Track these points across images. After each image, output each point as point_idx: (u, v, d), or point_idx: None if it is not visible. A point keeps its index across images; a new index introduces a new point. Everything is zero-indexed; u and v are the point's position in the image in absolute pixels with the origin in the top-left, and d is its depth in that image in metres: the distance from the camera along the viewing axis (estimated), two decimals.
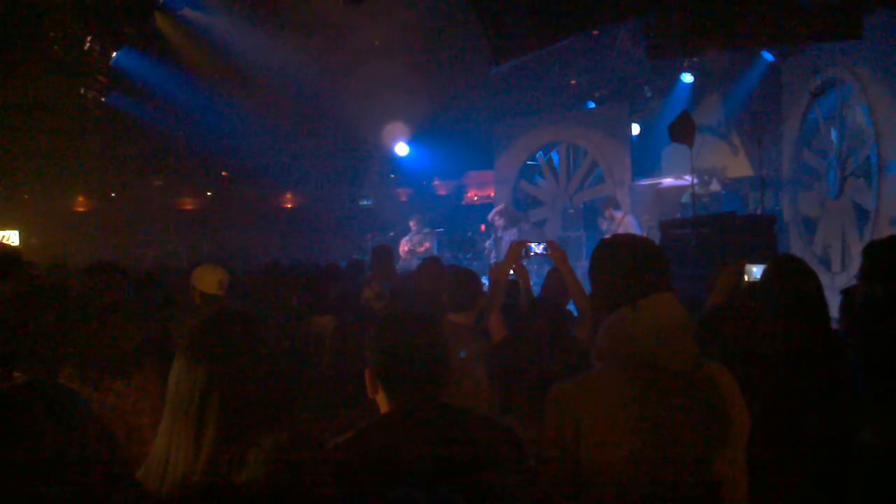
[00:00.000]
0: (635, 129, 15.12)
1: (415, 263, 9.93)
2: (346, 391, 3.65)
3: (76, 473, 1.49)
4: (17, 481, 1.44)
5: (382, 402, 2.29)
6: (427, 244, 13.50)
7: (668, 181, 14.18)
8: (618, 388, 2.26)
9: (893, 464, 1.62)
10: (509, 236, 13.28)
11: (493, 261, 13.33)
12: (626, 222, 12.35)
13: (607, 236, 2.73)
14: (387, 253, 8.23)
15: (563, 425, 2.31)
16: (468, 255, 14.24)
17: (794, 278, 3.27)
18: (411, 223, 13.83)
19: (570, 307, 5.08)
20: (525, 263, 5.07)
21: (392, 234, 14.87)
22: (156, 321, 4.94)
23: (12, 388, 1.55)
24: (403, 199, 19.20)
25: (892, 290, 1.74)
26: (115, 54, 12.27)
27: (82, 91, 12.65)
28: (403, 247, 13.44)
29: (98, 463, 1.55)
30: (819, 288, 3.23)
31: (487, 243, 14.29)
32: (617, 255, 2.48)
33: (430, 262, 5.76)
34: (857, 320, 1.74)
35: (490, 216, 14.31)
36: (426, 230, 14.09)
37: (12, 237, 16.18)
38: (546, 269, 7.49)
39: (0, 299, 2.94)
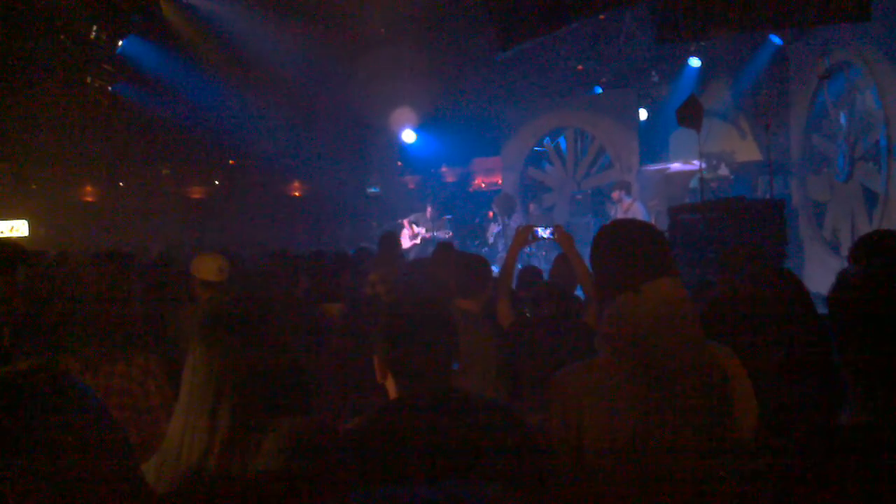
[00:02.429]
0: (643, 113, 15.08)
1: (430, 249, 9.94)
2: (355, 377, 3.67)
3: (79, 462, 1.50)
4: (19, 470, 1.44)
5: (391, 388, 2.30)
6: (447, 230, 13.49)
7: (676, 166, 14.14)
8: (621, 373, 2.25)
9: (876, 444, 1.61)
10: (516, 223, 13.26)
11: (501, 248, 13.34)
12: (633, 209, 12.32)
13: (609, 222, 2.74)
14: (393, 240, 8.25)
15: (566, 411, 2.31)
16: (476, 242, 14.24)
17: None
18: (428, 209, 13.79)
19: (578, 292, 5.09)
20: (532, 248, 5.07)
21: (400, 221, 14.88)
22: (157, 308, 4.98)
23: (12, 373, 1.55)
24: (411, 186, 19.18)
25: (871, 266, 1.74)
26: (121, 43, 12.28)
27: (89, 80, 12.67)
28: (414, 229, 13.37)
29: (102, 451, 1.55)
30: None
31: (495, 229, 14.28)
32: (618, 240, 2.48)
33: (442, 248, 5.77)
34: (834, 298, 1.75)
35: None
36: (448, 216, 14.12)
37: (21, 227, 16.25)
38: (554, 254, 7.49)
39: (9, 291, 2.95)
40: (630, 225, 2.56)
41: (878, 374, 1.65)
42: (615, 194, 12.71)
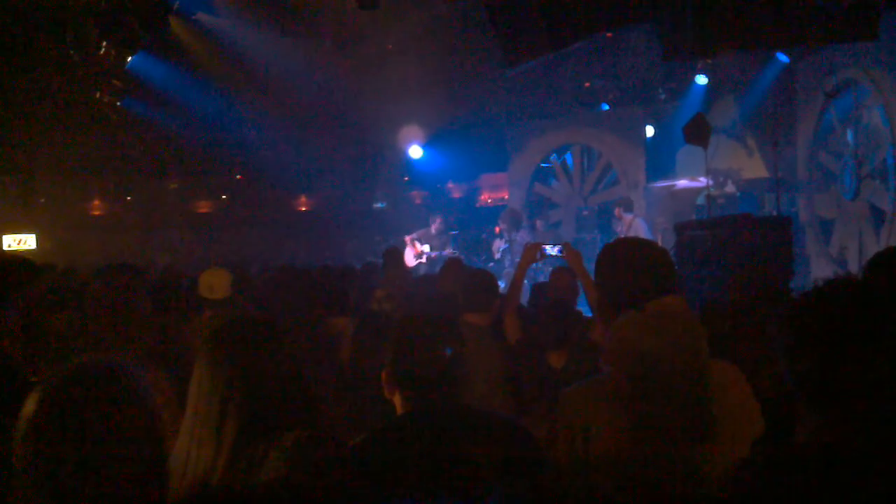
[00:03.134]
0: (650, 130, 15.07)
1: (436, 266, 9.89)
2: (364, 392, 3.67)
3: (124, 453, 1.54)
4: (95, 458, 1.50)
5: (399, 403, 2.30)
6: (450, 248, 13.41)
7: (682, 183, 14.12)
8: (625, 390, 2.25)
9: (831, 462, 1.61)
10: (523, 238, 13.22)
11: (507, 263, 13.32)
12: (635, 225, 12.30)
13: (612, 241, 2.74)
14: (398, 255, 8.27)
15: (572, 429, 2.31)
16: (482, 258, 14.22)
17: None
18: (435, 223, 13.69)
19: (580, 307, 5.08)
20: (538, 264, 5.08)
21: (402, 238, 14.86)
22: (165, 323, 4.98)
23: (71, 369, 1.59)
24: (418, 201, 19.19)
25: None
26: (130, 58, 12.34)
27: (98, 95, 12.72)
28: (417, 247, 13.29)
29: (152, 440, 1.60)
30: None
31: (501, 245, 14.24)
32: (621, 259, 2.48)
33: (451, 263, 5.77)
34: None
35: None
36: (454, 232, 14.06)
37: (29, 240, 16.29)
38: None
39: (20, 305, 2.97)
40: (633, 243, 2.57)
41: (835, 394, 1.64)
42: (616, 211, 12.73)
